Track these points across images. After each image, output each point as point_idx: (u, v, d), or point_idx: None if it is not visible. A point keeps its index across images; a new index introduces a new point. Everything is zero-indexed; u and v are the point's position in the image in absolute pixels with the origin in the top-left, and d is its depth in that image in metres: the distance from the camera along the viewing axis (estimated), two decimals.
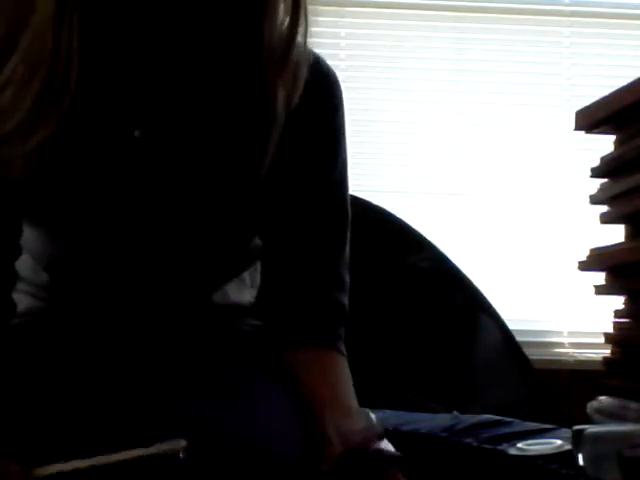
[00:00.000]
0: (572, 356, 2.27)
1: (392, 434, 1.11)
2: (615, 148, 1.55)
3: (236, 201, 1.01)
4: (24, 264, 1.04)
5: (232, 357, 1.01)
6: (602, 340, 1.59)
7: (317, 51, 1.05)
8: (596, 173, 1.58)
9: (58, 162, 0.97)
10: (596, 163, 1.58)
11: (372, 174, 2.30)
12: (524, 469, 1.00)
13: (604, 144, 1.58)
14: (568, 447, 0.97)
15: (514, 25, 2.38)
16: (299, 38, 0.98)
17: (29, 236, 1.02)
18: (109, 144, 0.98)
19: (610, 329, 1.56)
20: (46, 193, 0.98)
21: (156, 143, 0.98)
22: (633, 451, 0.87)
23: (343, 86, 1.09)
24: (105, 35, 0.98)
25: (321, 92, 1.04)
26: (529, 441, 1.03)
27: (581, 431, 0.91)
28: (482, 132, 2.34)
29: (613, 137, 1.56)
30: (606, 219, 1.58)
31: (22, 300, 1.05)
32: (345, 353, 1.05)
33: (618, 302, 1.56)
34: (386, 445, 0.94)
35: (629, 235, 1.53)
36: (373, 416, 0.97)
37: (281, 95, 0.97)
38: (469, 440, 1.07)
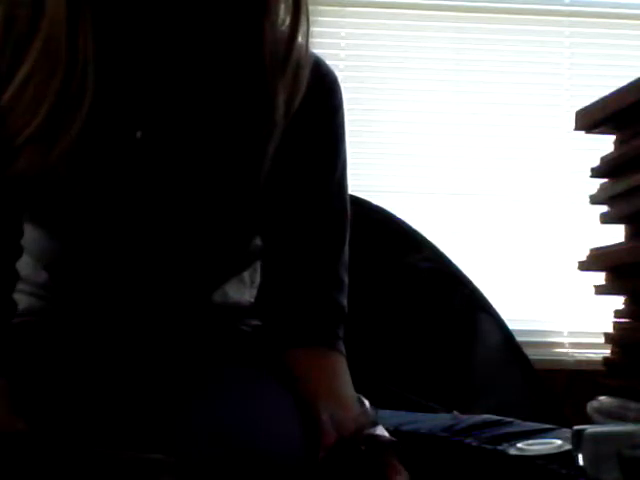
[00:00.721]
0: (572, 356, 2.27)
1: (392, 434, 1.11)
2: (615, 148, 1.55)
3: (236, 202, 1.01)
4: (24, 264, 1.04)
5: (231, 357, 1.01)
6: (602, 340, 1.59)
7: (317, 51, 1.05)
8: (596, 173, 1.58)
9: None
10: (596, 163, 1.58)
11: (372, 174, 2.30)
12: (524, 469, 1.00)
13: (604, 144, 1.58)
14: (568, 447, 0.97)
15: (514, 25, 2.38)
16: (300, 39, 0.98)
17: (29, 235, 1.02)
18: (111, 145, 0.98)
19: (610, 329, 1.56)
20: (48, 192, 0.98)
21: (157, 144, 0.99)
22: (633, 451, 0.87)
23: (343, 86, 1.09)
24: (110, 37, 0.98)
25: (321, 93, 1.04)
26: (529, 441, 1.03)
27: (581, 431, 0.90)
28: (482, 132, 2.34)
29: (613, 137, 1.56)
30: (606, 219, 1.58)
31: (22, 300, 1.05)
32: (344, 353, 1.05)
33: (618, 302, 1.56)
34: (381, 431, 0.94)
35: (629, 235, 1.54)
36: (367, 402, 0.97)
37: (281, 97, 0.97)
38: (469, 440, 1.07)
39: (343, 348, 1.06)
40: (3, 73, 0.93)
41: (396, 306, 1.82)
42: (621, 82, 1.49)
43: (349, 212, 1.09)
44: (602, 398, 1.43)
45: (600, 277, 1.59)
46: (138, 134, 0.98)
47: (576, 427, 0.92)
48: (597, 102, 1.55)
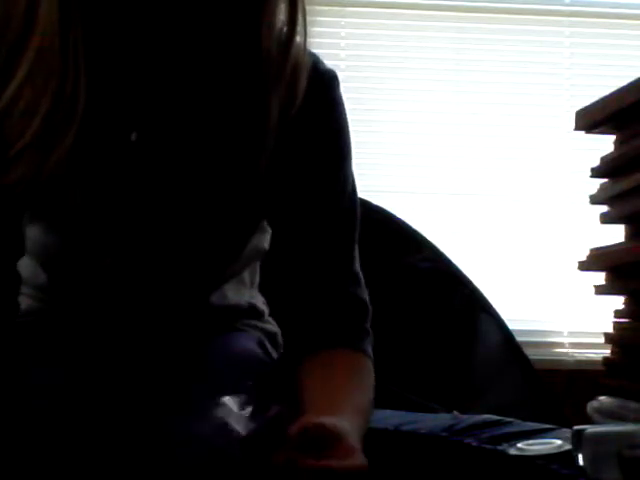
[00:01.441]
0: (572, 356, 2.27)
1: (392, 434, 1.11)
2: (615, 148, 1.55)
3: (233, 202, 1.01)
4: (24, 265, 1.04)
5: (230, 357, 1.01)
6: (602, 340, 1.59)
7: (317, 51, 1.05)
8: (596, 173, 1.58)
9: None
10: (596, 163, 1.58)
11: (372, 174, 2.30)
12: (524, 469, 1.00)
13: (604, 144, 1.58)
14: (568, 447, 0.97)
15: (514, 25, 2.38)
16: (298, 39, 0.97)
17: (28, 234, 1.02)
18: (106, 147, 0.98)
19: (610, 329, 1.56)
20: (45, 192, 0.98)
21: (152, 146, 0.98)
22: (633, 451, 0.87)
23: (343, 86, 1.08)
24: (104, 41, 0.97)
25: (321, 88, 1.03)
26: (529, 441, 1.03)
27: (581, 431, 0.91)
28: (482, 132, 2.34)
29: (613, 137, 1.56)
30: (606, 219, 1.58)
31: (22, 301, 1.05)
32: (371, 354, 1.03)
33: (618, 302, 1.56)
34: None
35: (629, 235, 1.54)
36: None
37: (275, 98, 0.96)
38: (469, 440, 1.07)
39: (369, 347, 1.03)
40: None
41: (396, 306, 1.82)
42: (621, 82, 1.49)
43: (358, 206, 1.08)
44: (602, 398, 1.44)
45: (600, 277, 1.59)
46: (133, 136, 0.98)
47: (576, 427, 0.92)
48: (597, 102, 1.55)
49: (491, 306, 1.90)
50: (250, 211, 1.04)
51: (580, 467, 0.90)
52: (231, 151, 0.98)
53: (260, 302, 1.15)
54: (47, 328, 1.03)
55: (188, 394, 0.91)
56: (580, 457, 0.91)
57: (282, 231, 1.06)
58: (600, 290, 1.59)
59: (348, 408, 0.91)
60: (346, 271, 1.05)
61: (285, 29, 0.97)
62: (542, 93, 2.36)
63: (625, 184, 1.49)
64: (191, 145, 0.99)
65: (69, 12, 0.91)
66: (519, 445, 1.03)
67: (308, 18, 0.98)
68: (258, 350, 1.04)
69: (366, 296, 1.06)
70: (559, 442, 1.01)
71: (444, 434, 1.09)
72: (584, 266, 1.61)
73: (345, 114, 1.07)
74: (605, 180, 1.58)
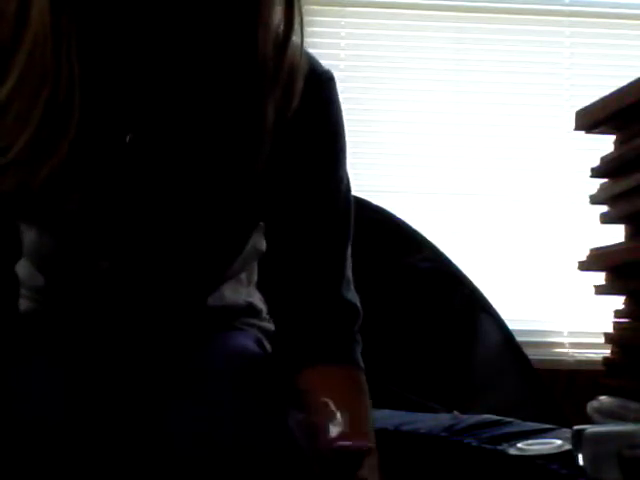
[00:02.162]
0: (572, 356, 2.27)
1: (392, 434, 1.11)
2: (615, 148, 1.55)
3: (230, 203, 1.01)
4: (21, 267, 1.04)
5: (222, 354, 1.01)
6: (602, 340, 1.59)
7: (317, 51, 1.04)
8: (596, 173, 1.58)
9: None
10: (596, 163, 1.58)
11: (372, 174, 2.30)
12: (524, 469, 1.00)
13: (604, 144, 1.58)
14: (568, 447, 0.97)
15: (514, 25, 2.38)
16: (295, 40, 0.97)
17: (24, 237, 1.02)
18: (101, 148, 0.97)
19: (610, 329, 1.56)
20: (40, 196, 0.97)
21: (148, 148, 0.98)
22: (633, 451, 0.87)
23: (343, 86, 1.08)
24: (98, 44, 0.96)
25: (315, 87, 1.03)
26: (529, 441, 1.03)
27: (581, 431, 0.91)
28: (482, 132, 2.34)
29: (613, 137, 1.56)
30: (606, 219, 1.58)
31: (19, 303, 1.05)
32: (361, 364, 1.03)
33: (618, 302, 1.56)
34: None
35: (629, 235, 1.54)
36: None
37: (272, 101, 0.95)
38: (469, 440, 1.07)
39: (359, 357, 1.03)
40: None
41: (396, 306, 1.82)
42: (621, 82, 1.49)
43: (352, 208, 1.08)
44: (602, 398, 1.43)
45: (600, 277, 1.59)
46: (128, 138, 0.97)
47: (576, 427, 0.92)
48: (597, 102, 1.55)
49: (491, 306, 1.90)
50: (247, 212, 1.03)
51: (580, 467, 0.90)
52: (227, 153, 0.98)
53: (258, 300, 1.15)
54: (45, 329, 1.03)
55: (185, 394, 0.91)
56: (580, 457, 0.91)
57: (276, 231, 1.06)
58: (600, 290, 1.59)
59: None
60: (338, 273, 1.05)
61: (281, 30, 0.96)
62: (542, 93, 2.36)
63: (625, 184, 1.49)
64: (187, 147, 0.98)
65: (62, 14, 0.89)
66: (519, 445, 1.03)
67: (305, 18, 0.97)
68: (256, 348, 1.04)
69: (357, 300, 1.06)
70: (559, 442, 1.01)
71: (444, 434, 1.09)
72: (584, 266, 1.61)
73: (341, 115, 1.06)
74: (605, 180, 1.58)
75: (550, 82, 2.36)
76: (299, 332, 1.03)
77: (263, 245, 1.11)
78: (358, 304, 1.06)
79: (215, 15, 0.96)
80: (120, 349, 1.00)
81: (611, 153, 1.55)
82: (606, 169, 1.55)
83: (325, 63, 1.06)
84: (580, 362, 2.23)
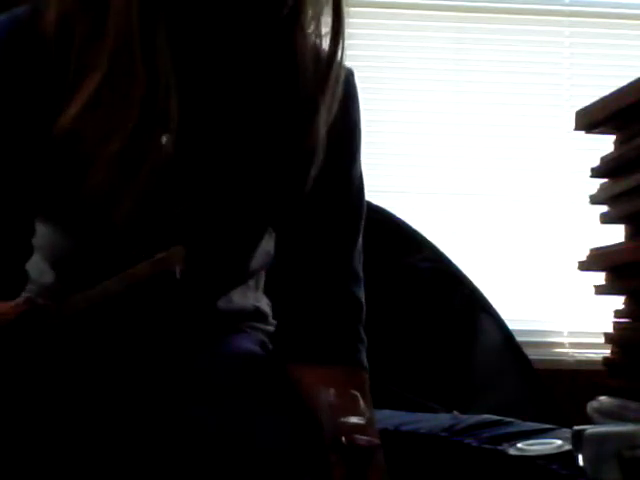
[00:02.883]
0: (572, 356, 2.27)
1: (392, 434, 1.11)
2: (615, 148, 1.55)
3: (272, 210, 1.00)
4: (32, 263, 1.04)
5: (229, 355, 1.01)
6: (602, 340, 1.59)
7: None
8: (596, 173, 1.58)
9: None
10: (596, 163, 1.58)
11: (372, 174, 2.29)
12: (524, 469, 1.00)
13: (604, 144, 1.58)
14: (568, 447, 0.97)
15: (514, 25, 2.38)
16: (339, 55, 0.96)
17: (40, 232, 1.01)
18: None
19: (610, 329, 1.56)
20: (65, 192, 0.97)
21: (188, 152, 0.97)
22: (633, 451, 0.87)
23: None
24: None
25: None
26: (529, 441, 1.03)
27: (581, 431, 0.90)
28: (482, 132, 2.34)
29: (613, 137, 1.56)
30: (606, 219, 1.58)
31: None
32: (365, 365, 1.03)
33: (618, 302, 1.56)
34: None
35: (629, 235, 1.53)
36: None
37: (324, 111, 0.96)
38: (469, 440, 1.07)
39: (364, 357, 1.03)
40: (70, 81, 0.90)
41: (396, 306, 1.82)
42: (621, 82, 1.49)
43: (364, 203, 1.08)
44: (602, 398, 1.43)
45: (600, 277, 1.59)
46: (164, 139, 0.96)
47: (576, 427, 0.92)
48: (597, 102, 1.55)
49: (491, 306, 1.90)
50: (268, 213, 1.03)
51: (580, 467, 0.90)
52: (282, 167, 0.97)
53: (265, 305, 1.15)
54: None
55: (188, 394, 0.92)
56: (580, 457, 0.91)
57: (288, 224, 1.06)
58: (600, 290, 1.58)
59: None
60: (346, 268, 1.05)
61: (329, 42, 0.96)
62: (542, 93, 2.36)
63: (625, 184, 1.48)
64: (234, 155, 0.97)
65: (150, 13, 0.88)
66: (519, 445, 1.03)
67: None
68: (260, 350, 1.04)
69: (362, 296, 1.06)
70: (559, 442, 1.01)
71: (444, 434, 1.09)
72: (584, 266, 1.61)
73: (359, 110, 1.06)
74: (605, 180, 1.57)
75: (550, 82, 2.37)
76: (303, 328, 1.03)
77: (272, 248, 1.11)
78: (363, 300, 1.05)
79: (254, 22, 0.94)
80: (128, 348, 1.00)
81: (611, 153, 1.55)
82: (606, 169, 1.55)
83: None
84: (580, 362, 2.23)
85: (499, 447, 1.04)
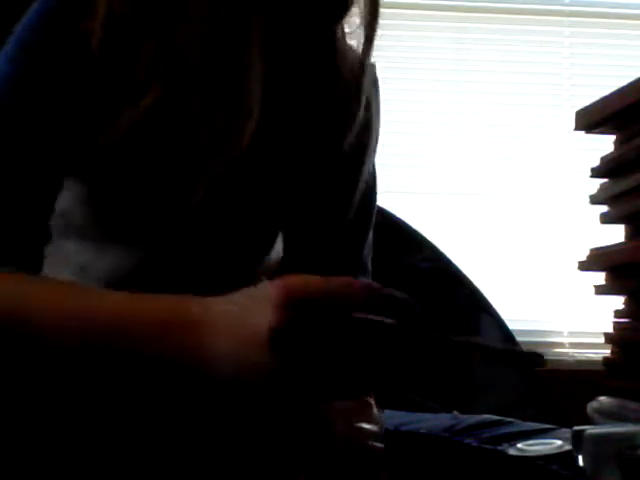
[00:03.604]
0: (572, 356, 2.27)
1: (392, 434, 1.11)
2: (615, 148, 1.55)
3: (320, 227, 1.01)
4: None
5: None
6: (602, 340, 1.59)
7: None
8: (596, 173, 1.58)
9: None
10: (596, 163, 1.58)
11: None
12: (524, 469, 1.00)
13: (604, 144, 1.58)
14: (568, 447, 0.97)
15: (514, 25, 2.38)
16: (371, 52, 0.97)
17: (91, 255, 0.95)
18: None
19: (610, 329, 1.56)
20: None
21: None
22: (633, 451, 0.87)
23: None
24: None
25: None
26: (529, 441, 1.03)
27: (581, 431, 0.90)
28: (482, 132, 2.34)
29: (613, 137, 1.56)
30: (606, 219, 1.57)
31: None
32: None
33: (618, 302, 1.55)
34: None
35: (629, 235, 1.53)
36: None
37: (357, 119, 0.95)
38: (469, 440, 1.07)
39: None
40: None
41: None
42: (621, 82, 1.49)
43: (376, 197, 1.08)
44: (602, 398, 1.43)
45: (600, 277, 1.58)
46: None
47: (576, 427, 0.92)
48: (597, 102, 1.55)
49: (491, 306, 1.90)
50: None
51: (580, 467, 0.90)
52: (317, 175, 0.97)
53: None
54: None
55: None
56: (580, 457, 0.91)
57: (298, 215, 1.05)
58: (600, 290, 1.58)
59: None
60: (355, 260, 1.04)
61: (362, 46, 0.99)
62: (542, 93, 2.36)
63: (625, 184, 1.48)
64: (274, 160, 0.97)
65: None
66: (519, 445, 1.03)
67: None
68: None
69: None
70: (559, 442, 1.01)
71: (444, 434, 1.09)
72: (584, 266, 1.60)
73: (380, 102, 1.07)
74: (605, 180, 1.57)
75: (550, 82, 2.37)
76: None
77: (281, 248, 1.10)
78: None
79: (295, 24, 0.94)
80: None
81: (611, 153, 1.55)
82: (606, 169, 1.55)
83: None
84: (580, 362, 2.23)
85: (499, 447, 1.04)
